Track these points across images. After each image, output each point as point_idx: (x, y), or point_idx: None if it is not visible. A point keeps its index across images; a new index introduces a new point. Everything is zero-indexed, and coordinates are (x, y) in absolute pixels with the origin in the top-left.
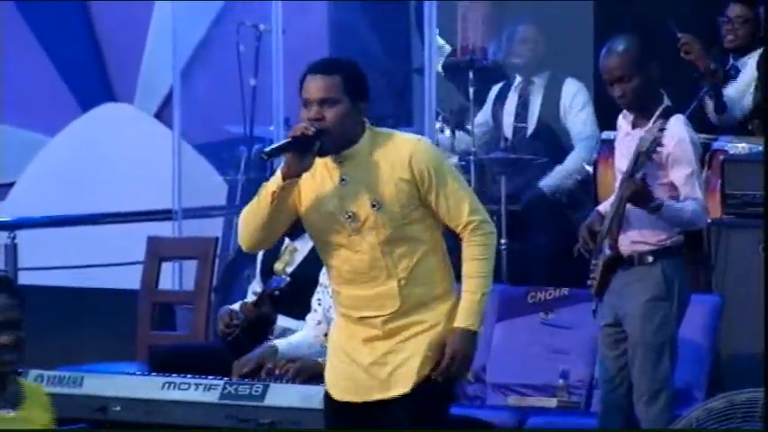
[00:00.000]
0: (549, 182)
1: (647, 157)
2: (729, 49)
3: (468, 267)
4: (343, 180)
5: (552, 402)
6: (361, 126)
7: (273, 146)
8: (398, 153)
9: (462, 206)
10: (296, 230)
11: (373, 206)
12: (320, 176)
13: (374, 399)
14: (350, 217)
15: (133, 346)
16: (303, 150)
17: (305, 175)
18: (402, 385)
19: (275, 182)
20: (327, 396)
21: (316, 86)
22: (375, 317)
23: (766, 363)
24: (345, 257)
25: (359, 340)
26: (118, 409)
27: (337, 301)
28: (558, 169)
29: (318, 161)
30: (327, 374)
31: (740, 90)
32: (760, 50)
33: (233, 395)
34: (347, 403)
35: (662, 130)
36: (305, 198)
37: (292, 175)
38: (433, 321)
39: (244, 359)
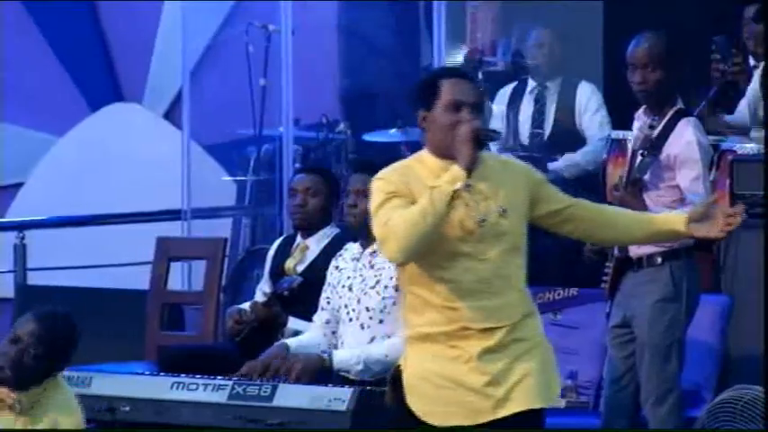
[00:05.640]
0: (556, 165)
1: (641, 156)
2: (752, 52)
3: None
4: (468, 186)
5: (561, 402)
6: None
7: (484, 128)
8: (514, 162)
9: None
10: (311, 228)
11: (503, 212)
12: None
13: (487, 420)
14: (481, 221)
15: (142, 347)
16: (481, 145)
17: (419, 185)
18: (519, 403)
19: (452, 179)
20: (416, 421)
21: (475, 93)
22: (497, 327)
23: (766, 362)
24: (469, 267)
25: (464, 360)
26: (126, 409)
27: (450, 318)
28: (568, 156)
29: (436, 168)
30: (421, 402)
31: (752, 101)
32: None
33: (241, 396)
34: (452, 428)
35: (651, 127)
36: None
37: (473, 169)
38: (535, 338)
39: (252, 364)
